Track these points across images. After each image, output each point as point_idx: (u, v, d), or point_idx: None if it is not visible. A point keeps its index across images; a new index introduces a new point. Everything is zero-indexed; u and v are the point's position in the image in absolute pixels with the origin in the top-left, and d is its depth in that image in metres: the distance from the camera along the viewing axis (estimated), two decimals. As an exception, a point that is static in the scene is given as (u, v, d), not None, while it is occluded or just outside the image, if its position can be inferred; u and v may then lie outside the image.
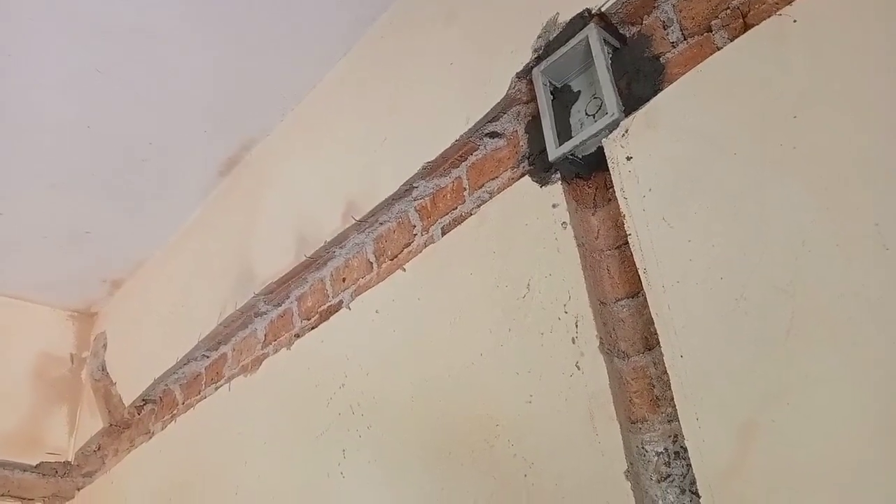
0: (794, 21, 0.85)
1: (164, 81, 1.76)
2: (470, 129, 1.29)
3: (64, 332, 2.69)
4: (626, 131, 1.00)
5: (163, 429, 2.08)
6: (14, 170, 1.99)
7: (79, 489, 2.47)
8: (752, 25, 0.94)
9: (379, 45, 1.62)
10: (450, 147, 1.32)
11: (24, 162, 1.96)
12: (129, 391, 2.29)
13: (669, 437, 0.87)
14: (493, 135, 1.30)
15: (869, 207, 0.72)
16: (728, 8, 0.99)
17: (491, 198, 1.25)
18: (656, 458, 0.87)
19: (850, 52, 0.79)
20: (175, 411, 2.09)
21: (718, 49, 0.98)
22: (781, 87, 0.84)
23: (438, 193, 1.40)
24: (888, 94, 0.75)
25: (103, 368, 2.54)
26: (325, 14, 1.63)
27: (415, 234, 1.42)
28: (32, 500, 2.42)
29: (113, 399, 2.40)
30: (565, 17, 1.16)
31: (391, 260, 1.46)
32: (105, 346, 2.60)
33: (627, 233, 0.95)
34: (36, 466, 2.44)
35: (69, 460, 2.52)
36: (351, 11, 1.63)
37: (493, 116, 1.27)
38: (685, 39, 1.04)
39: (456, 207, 1.34)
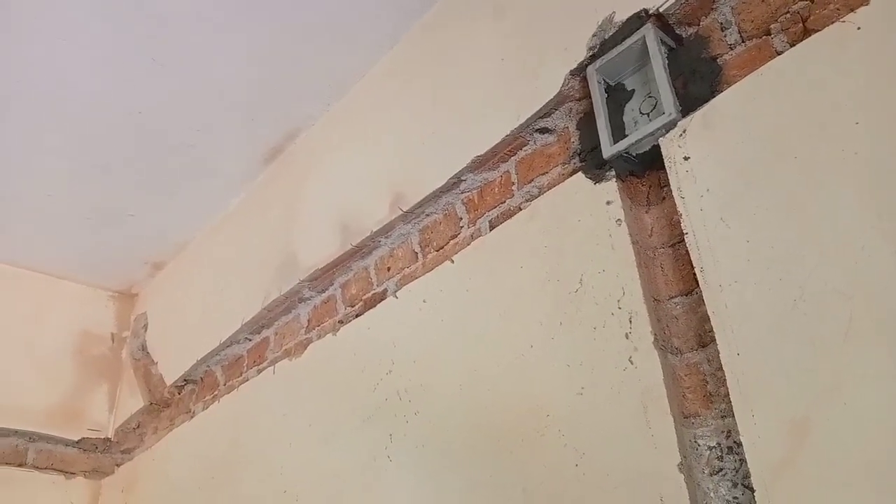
0: (858, 28, 0.87)
1: (210, 68, 1.79)
2: (521, 125, 1.31)
3: (105, 312, 2.76)
4: (684, 131, 1.02)
5: (204, 409, 2.14)
6: (63, 153, 2.04)
7: (118, 465, 2.54)
8: (813, 31, 0.96)
9: (427, 38, 1.64)
10: (500, 142, 1.35)
11: (73, 145, 2.01)
12: (170, 371, 2.35)
13: (722, 432, 0.90)
14: (543, 130, 1.32)
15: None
16: (788, 12, 1.00)
17: (540, 193, 1.28)
18: (709, 452, 0.90)
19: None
20: (216, 392, 2.14)
21: (777, 53, 0.99)
22: (843, 94, 0.85)
23: (486, 187, 1.42)
24: (955, 102, 0.76)
25: (144, 348, 2.60)
26: (373, 5, 1.65)
27: (461, 227, 1.45)
28: (74, 473, 2.49)
29: (153, 378, 2.47)
30: (622, 17, 1.17)
31: (437, 251, 1.48)
32: (146, 326, 2.67)
33: (684, 231, 0.97)
34: (77, 442, 2.51)
35: (109, 437, 2.60)
36: (399, 3, 1.66)
37: (544, 113, 1.29)
38: (743, 42, 1.05)
39: (504, 201, 1.36)
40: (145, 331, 2.66)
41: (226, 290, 2.14)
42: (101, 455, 2.57)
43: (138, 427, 2.53)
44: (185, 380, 2.28)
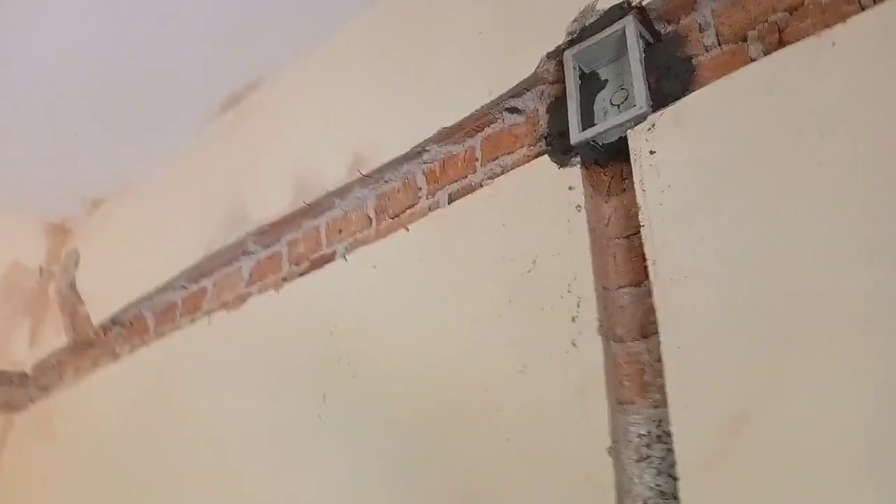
0: (833, 44, 0.89)
1: (174, 7, 1.72)
2: (491, 102, 1.31)
3: (36, 244, 2.66)
4: (653, 125, 1.03)
5: (131, 352, 2.08)
6: (10, 80, 1.94)
7: (31, 401, 2.45)
8: (788, 42, 0.98)
9: (407, 2, 1.62)
10: (468, 116, 1.34)
11: (22, 74, 1.91)
12: (98, 311, 2.27)
13: (653, 421, 0.92)
14: (512, 110, 1.32)
15: (883, 230, 0.77)
16: (766, 21, 1.02)
17: (503, 172, 1.28)
18: (638, 439, 0.92)
19: (883, 83, 0.83)
20: (146, 337, 2.08)
21: (752, 60, 1.01)
22: (813, 105, 0.87)
23: (449, 160, 1.41)
24: (914, 128, 0.79)
25: (72, 285, 2.51)
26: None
27: (419, 197, 1.44)
28: (-16, 405, 2.40)
29: (79, 317, 2.38)
30: (604, 5, 1.18)
31: (392, 219, 1.47)
32: (77, 263, 2.58)
33: (641, 224, 0.98)
34: (-8, 374, 2.42)
35: (26, 371, 2.50)
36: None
37: (516, 92, 1.28)
38: (719, 45, 1.06)
39: (466, 176, 1.36)
40: (76, 267, 2.57)
41: (167, 235, 2.08)
42: (15, 389, 2.48)
43: (58, 365, 2.45)
44: (112, 321, 2.21)
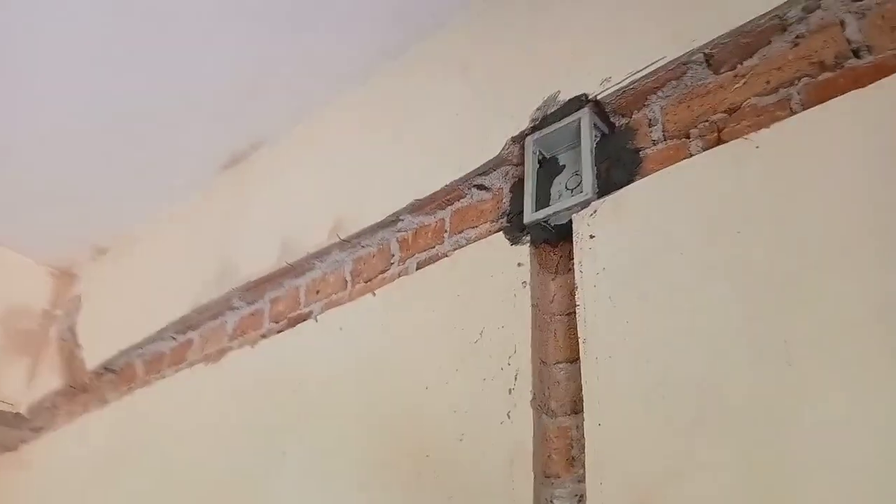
0: (757, 147, 0.95)
1: (185, 68, 1.84)
2: (460, 178, 1.38)
3: (41, 287, 2.74)
4: (595, 212, 1.10)
5: (118, 399, 2.13)
6: (25, 124, 2.06)
7: (23, 441, 2.50)
8: (725, 141, 1.05)
9: (395, 80, 1.72)
10: (439, 190, 1.41)
11: (36, 118, 2.03)
12: (92, 357, 2.34)
13: (576, 495, 0.95)
14: (480, 187, 1.39)
15: (782, 325, 0.81)
16: (707, 121, 1.09)
17: (468, 244, 1.34)
18: (561, 513, 0.95)
19: (800, 184, 0.89)
20: (132, 385, 2.14)
21: (691, 155, 1.08)
22: (733, 204, 0.93)
23: (421, 230, 1.48)
24: (817, 230, 0.84)
25: (72, 329, 2.59)
26: (353, 37, 1.72)
27: (391, 263, 1.50)
28: (-26, 443, 2.46)
29: (76, 361, 2.45)
30: (564, 97, 1.26)
31: (365, 283, 1.54)
32: (79, 308, 2.66)
33: (576, 303, 1.04)
34: (-15, 412, 2.48)
35: (21, 412, 2.56)
36: (377, 42, 1.73)
37: (483, 171, 1.36)
38: (665, 140, 1.14)
39: (434, 246, 1.43)
40: (78, 312, 2.65)
41: (161, 286, 2.16)
42: (8, 430, 2.53)
43: (52, 407, 2.50)
44: (104, 368, 2.27)
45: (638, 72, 1.16)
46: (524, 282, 1.13)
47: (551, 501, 0.96)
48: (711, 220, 0.95)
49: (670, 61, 1.13)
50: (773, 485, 0.75)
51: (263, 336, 1.71)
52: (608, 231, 1.06)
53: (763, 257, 0.87)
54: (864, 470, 0.71)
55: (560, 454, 0.99)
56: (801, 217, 0.87)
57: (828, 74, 0.99)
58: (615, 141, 1.20)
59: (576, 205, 1.13)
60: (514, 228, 1.23)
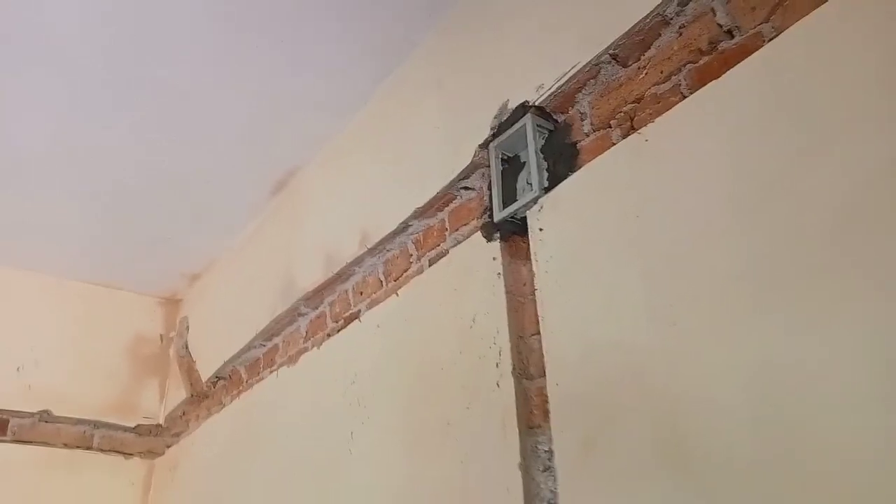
0: (646, 140, 1.15)
1: (214, 124, 2.17)
2: (447, 185, 1.62)
3: (154, 316, 3.22)
4: (542, 208, 1.32)
5: (231, 402, 2.55)
6: (112, 198, 2.47)
7: (168, 447, 2.99)
8: (636, 129, 1.24)
9: (387, 103, 1.97)
10: (433, 196, 1.66)
11: (117, 194, 2.44)
12: (206, 368, 2.77)
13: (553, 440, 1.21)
14: (466, 188, 1.63)
15: (668, 292, 1.03)
16: (622, 111, 1.28)
17: (464, 239, 1.59)
18: (544, 454, 1.21)
19: (688, 172, 1.08)
20: (241, 388, 2.54)
21: (613, 144, 1.27)
22: (632, 192, 1.14)
23: (428, 231, 1.74)
24: (693, 207, 1.04)
25: (186, 347, 3.04)
26: (349, 67, 1.97)
27: (411, 262, 1.77)
28: (132, 454, 2.97)
29: (195, 374, 2.90)
30: (512, 105, 1.47)
31: (395, 281, 1.82)
32: (188, 328, 3.10)
33: (535, 287, 1.28)
34: (134, 428, 2.98)
35: (160, 423, 3.06)
36: (368, 70, 1.97)
37: (463, 175, 1.60)
38: (594, 131, 1.33)
39: (439, 244, 1.68)
40: (188, 332, 3.09)
41: (245, 302, 2.53)
42: (153, 438, 3.04)
43: (184, 415, 2.98)
44: (216, 376, 2.69)
45: (561, 77, 1.35)
46: (498, 273, 1.37)
47: (535, 446, 1.22)
48: (619, 208, 1.16)
49: (584, 64, 1.32)
50: (675, 425, 0.98)
51: (328, 335, 2.04)
52: (551, 223, 1.29)
53: (656, 236, 1.08)
54: (734, 409, 0.92)
55: (539, 409, 1.25)
56: (680, 198, 1.07)
57: (705, 59, 1.16)
58: (558, 137, 1.41)
59: (528, 202, 1.36)
60: (489, 226, 1.47)
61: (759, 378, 0.89)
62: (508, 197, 1.46)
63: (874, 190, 0.83)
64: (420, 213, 1.72)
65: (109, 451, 2.90)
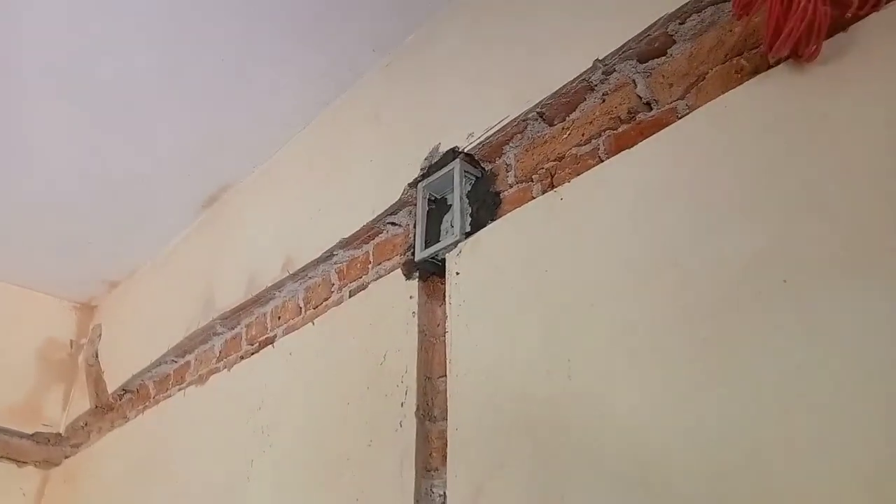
0: (561, 199, 1.19)
1: (154, 130, 2.13)
2: (375, 218, 1.64)
3: (67, 321, 3.10)
4: (461, 252, 1.35)
5: (135, 416, 2.47)
6: (37, 195, 2.38)
7: (66, 457, 2.87)
8: (555, 186, 1.28)
9: (326, 128, 1.98)
10: (359, 229, 1.67)
11: (44, 189, 2.36)
12: (113, 380, 2.68)
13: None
14: (392, 224, 1.65)
15: (566, 346, 1.06)
16: (543, 168, 1.33)
17: (386, 273, 1.60)
18: (438, 498, 1.22)
19: (583, 232, 1.13)
20: (147, 403, 2.47)
21: (534, 197, 1.31)
22: (544, 246, 1.18)
23: (352, 262, 1.75)
24: (595, 266, 1.08)
25: (96, 355, 2.94)
26: (293, 90, 1.97)
27: (332, 291, 1.77)
28: (26, 462, 2.83)
29: (101, 384, 2.79)
30: (443, 149, 1.50)
31: (314, 309, 1.81)
32: (100, 335, 3.00)
33: (446, 330, 1.29)
34: (31, 435, 2.85)
35: (60, 432, 2.93)
36: (311, 93, 1.98)
37: (391, 211, 1.61)
38: (517, 183, 1.37)
39: (361, 277, 1.69)
40: (100, 339, 2.99)
41: (161, 315, 2.47)
42: (51, 448, 2.90)
43: (86, 426, 2.86)
44: (123, 389, 2.60)
45: (491, 128, 1.39)
46: (413, 312, 1.39)
47: (430, 489, 1.23)
48: (530, 260, 1.19)
49: (513, 118, 1.36)
50: (562, 477, 1.01)
51: (241, 357, 2.00)
52: (467, 268, 1.31)
53: (559, 290, 1.12)
54: (620, 466, 0.95)
55: (438, 452, 1.26)
56: (585, 257, 1.11)
57: (624, 126, 1.22)
58: (482, 185, 1.44)
59: (449, 244, 1.38)
60: (410, 264, 1.49)
61: (647, 435, 0.93)
62: (432, 237, 1.48)
63: (749, 274, 0.89)
64: (345, 244, 1.72)
65: (3, 457, 2.76)
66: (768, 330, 0.85)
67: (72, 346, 3.09)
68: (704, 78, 1.12)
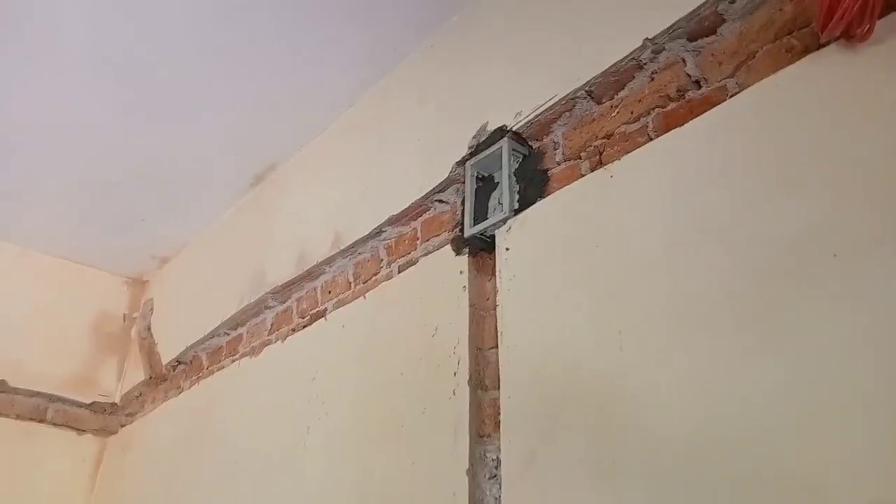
0: (611, 176, 1.23)
1: (204, 114, 2.21)
2: (423, 196, 1.69)
3: (119, 295, 3.22)
4: (510, 228, 1.39)
5: (189, 387, 2.57)
6: (91, 174, 2.48)
7: (122, 426, 3.00)
8: (604, 163, 1.31)
9: (373, 107, 2.02)
10: (407, 206, 1.72)
11: (100, 171, 2.46)
12: (167, 352, 2.79)
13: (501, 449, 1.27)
14: (440, 201, 1.69)
15: (616, 319, 1.10)
16: (592, 146, 1.36)
17: (435, 250, 1.65)
18: (492, 462, 1.28)
19: (633, 209, 1.16)
20: (200, 374, 2.57)
21: (582, 175, 1.35)
22: (594, 223, 1.22)
23: (400, 238, 1.80)
24: (645, 242, 1.12)
25: (149, 329, 3.05)
26: (339, 70, 2.03)
27: (381, 267, 1.83)
28: (85, 431, 2.97)
29: (155, 356, 2.91)
30: (491, 127, 1.54)
31: (363, 283, 1.87)
32: (152, 310, 3.12)
33: (497, 303, 1.34)
34: (89, 404, 2.99)
35: (116, 402, 3.06)
36: (357, 73, 2.03)
37: (439, 189, 1.66)
38: (565, 161, 1.41)
39: (410, 252, 1.74)
40: (152, 313, 3.11)
41: (213, 289, 2.56)
42: (108, 417, 3.04)
43: (140, 396, 2.99)
44: (177, 361, 2.71)
45: (539, 107, 1.43)
46: (464, 286, 1.44)
47: (484, 454, 1.29)
48: (579, 237, 1.23)
49: (561, 97, 1.39)
50: (613, 444, 1.06)
51: (293, 330, 2.08)
52: (517, 245, 1.36)
53: (609, 266, 1.16)
54: (671, 433, 1.00)
55: (490, 419, 1.31)
56: (634, 233, 1.14)
57: (673, 105, 1.24)
58: (531, 163, 1.48)
59: (498, 221, 1.43)
60: (459, 240, 1.54)
61: (697, 404, 0.97)
62: (480, 214, 1.53)
63: (798, 249, 0.92)
64: (394, 221, 1.78)
65: (63, 425, 2.90)
66: (817, 302, 0.88)
67: (125, 320, 3.21)
68: (755, 57, 1.14)
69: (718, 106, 1.12)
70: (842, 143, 0.94)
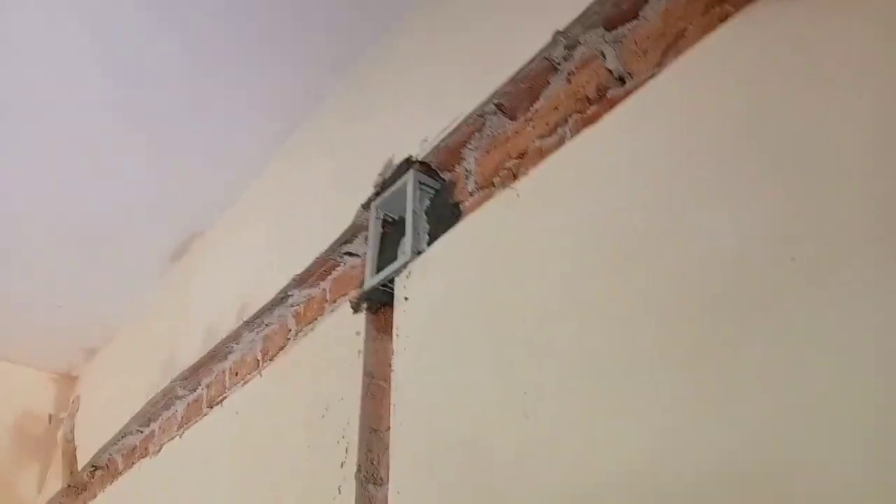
0: (517, 196, 0.96)
1: (116, 182, 1.98)
2: (327, 249, 1.42)
3: (45, 393, 2.89)
4: (409, 274, 1.12)
5: (103, 495, 2.22)
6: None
7: (40, 543, 2.62)
8: (518, 186, 1.05)
9: (283, 167, 1.79)
10: (313, 262, 1.45)
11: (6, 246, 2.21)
12: (83, 455, 2.45)
13: (394, 564, 0.95)
14: (350, 254, 1.43)
15: (520, 379, 0.81)
16: (505, 168, 1.10)
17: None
18: (382, 583, 0.95)
19: (556, 227, 0.89)
20: (116, 479, 2.22)
21: (493, 203, 1.08)
22: (496, 256, 0.94)
23: (309, 302, 1.52)
24: (550, 282, 0.84)
25: (73, 431, 2.72)
26: (249, 126, 1.81)
27: (289, 338, 1.54)
28: (-2, 547, 2.59)
29: (76, 462, 2.57)
30: (397, 160, 1.29)
31: (271, 360, 1.58)
32: (78, 409, 2.79)
33: (392, 368, 1.05)
34: (2, 517, 2.61)
35: (30, 517, 2.69)
36: (269, 127, 1.80)
37: (345, 240, 1.40)
38: (478, 190, 1.15)
39: (317, 318, 1.46)
40: (77, 414, 2.78)
41: (130, 382, 2.25)
42: (21, 534, 2.66)
43: (59, 507, 2.62)
44: (93, 465, 2.37)
45: (445, 129, 1.18)
46: (360, 350, 1.15)
47: (373, 572, 0.96)
48: (483, 275, 0.96)
49: (468, 115, 1.15)
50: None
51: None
52: (416, 293, 1.08)
53: (514, 307, 0.87)
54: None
55: (384, 522, 1.00)
56: (544, 262, 0.87)
57: (593, 108, 0.99)
58: (440, 197, 1.22)
59: (399, 267, 1.15)
60: (360, 295, 1.26)
61: (617, 478, 0.67)
62: (385, 262, 1.25)
63: (744, 262, 0.64)
64: (300, 282, 1.50)
65: (-33, 545, 2.53)
66: (773, 333, 0.60)
67: (50, 421, 2.87)
68: (684, 35, 0.90)
69: (635, 92, 0.87)
70: (785, 116, 0.68)
